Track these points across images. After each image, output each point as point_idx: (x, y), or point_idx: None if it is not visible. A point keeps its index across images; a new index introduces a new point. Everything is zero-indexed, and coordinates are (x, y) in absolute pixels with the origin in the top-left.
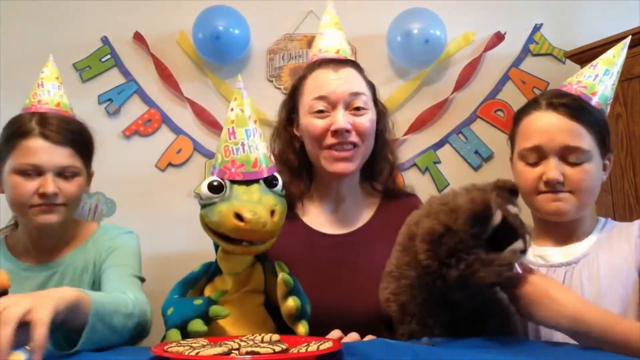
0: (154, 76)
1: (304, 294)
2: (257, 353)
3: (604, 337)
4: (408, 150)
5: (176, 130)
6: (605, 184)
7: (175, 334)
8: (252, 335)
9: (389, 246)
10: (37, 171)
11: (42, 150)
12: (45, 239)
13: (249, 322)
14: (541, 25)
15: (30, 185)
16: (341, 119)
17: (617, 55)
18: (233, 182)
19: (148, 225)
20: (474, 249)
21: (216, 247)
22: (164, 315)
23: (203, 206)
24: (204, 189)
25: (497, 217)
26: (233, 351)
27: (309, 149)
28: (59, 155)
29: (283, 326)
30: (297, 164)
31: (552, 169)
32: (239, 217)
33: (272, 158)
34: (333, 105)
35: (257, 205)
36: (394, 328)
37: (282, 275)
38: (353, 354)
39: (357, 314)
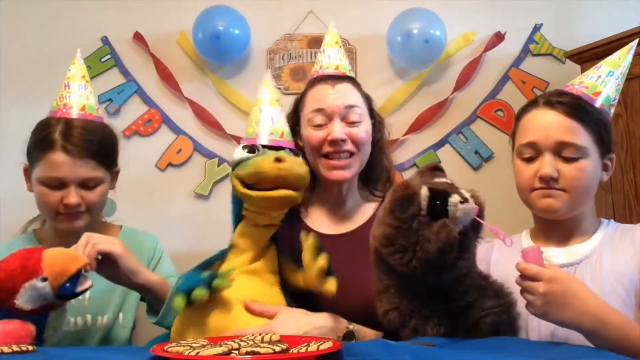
0: (154, 76)
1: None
2: (257, 353)
3: (622, 342)
4: (408, 150)
5: (176, 130)
6: (605, 183)
7: (179, 298)
8: (252, 335)
9: None
10: (60, 183)
11: (64, 165)
12: (72, 239)
13: (260, 295)
14: (541, 25)
15: (54, 196)
16: (337, 130)
17: (622, 58)
18: (264, 146)
19: (148, 225)
20: (417, 231)
21: (235, 223)
22: (172, 291)
23: (234, 167)
24: (238, 152)
25: (424, 191)
26: (233, 351)
27: (309, 158)
28: (81, 169)
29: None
30: None
31: (546, 165)
32: (278, 160)
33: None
34: (330, 118)
35: (292, 156)
36: (399, 335)
37: (311, 238)
38: (353, 354)
39: (354, 310)
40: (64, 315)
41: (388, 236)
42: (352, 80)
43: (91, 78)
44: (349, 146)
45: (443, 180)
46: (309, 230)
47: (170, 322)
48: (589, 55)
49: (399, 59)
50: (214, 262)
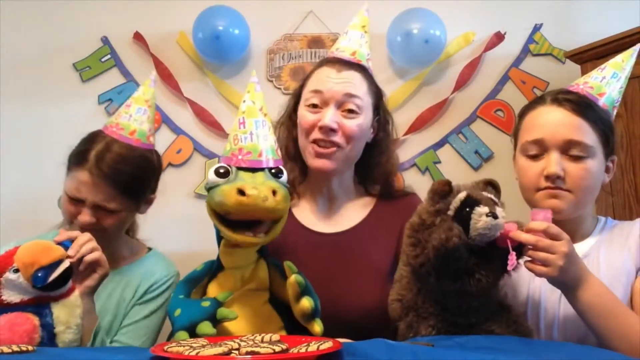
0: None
1: (314, 291)
2: (257, 353)
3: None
4: (408, 150)
5: (176, 130)
6: (605, 185)
7: (184, 336)
8: (252, 335)
9: (381, 247)
10: (80, 199)
11: (85, 185)
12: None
13: (255, 319)
14: (541, 25)
15: (73, 209)
16: (329, 116)
17: (625, 60)
18: (239, 169)
19: (148, 225)
20: (433, 227)
21: (219, 241)
22: (170, 316)
23: (209, 191)
24: (210, 174)
25: (461, 194)
26: (233, 351)
27: (300, 139)
28: (98, 194)
29: (289, 322)
30: (294, 152)
31: (553, 163)
32: (241, 192)
33: (279, 152)
34: (326, 103)
35: (259, 184)
36: (397, 328)
37: (295, 277)
38: (353, 354)
39: (347, 313)
40: (75, 308)
41: (413, 226)
42: (362, 69)
43: (91, 78)
44: (337, 137)
45: (490, 196)
46: (300, 226)
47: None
48: (589, 55)
49: (399, 59)
50: (202, 278)
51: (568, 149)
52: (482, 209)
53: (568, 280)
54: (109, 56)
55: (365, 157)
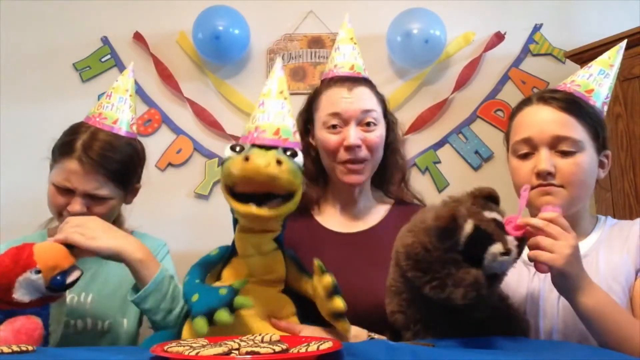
0: (154, 76)
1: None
2: (257, 353)
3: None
4: (408, 150)
5: (176, 130)
6: (605, 183)
7: (202, 323)
8: (252, 335)
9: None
10: (69, 190)
11: (75, 175)
12: None
13: (269, 306)
14: (541, 25)
15: (61, 200)
16: (353, 135)
17: (612, 57)
18: (254, 145)
19: (148, 225)
20: (447, 264)
21: (234, 226)
22: (187, 301)
23: (222, 166)
24: (226, 150)
25: (468, 226)
26: (233, 351)
27: (324, 160)
28: (90, 183)
29: (302, 310)
30: (314, 170)
31: (543, 160)
32: (247, 159)
33: (297, 136)
34: (346, 122)
35: (265, 153)
36: (401, 336)
37: (329, 277)
38: (353, 354)
39: (363, 306)
40: (63, 306)
41: (416, 253)
42: (368, 83)
43: (91, 78)
44: (363, 152)
45: (494, 216)
46: (321, 228)
47: (147, 309)
48: (589, 55)
49: (399, 59)
50: (216, 263)
51: (557, 145)
52: (496, 249)
53: (571, 275)
54: (109, 56)
55: (380, 161)
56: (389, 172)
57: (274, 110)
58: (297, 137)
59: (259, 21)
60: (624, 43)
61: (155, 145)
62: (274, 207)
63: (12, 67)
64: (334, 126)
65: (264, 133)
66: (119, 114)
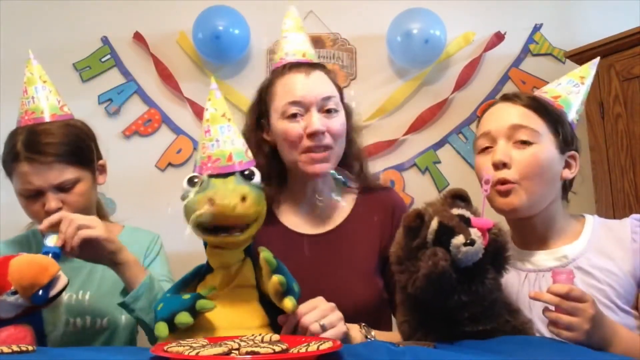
0: (154, 76)
1: (290, 275)
2: (257, 353)
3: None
4: (408, 150)
5: (176, 130)
6: (606, 183)
7: (162, 326)
8: (252, 335)
9: (365, 243)
10: (37, 192)
11: (31, 175)
12: None
13: (238, 314)
14: (541, 25)
15: (36, 206)
16: (316, 121)
17: (583, 70)
18: (211, 176)
19: (148, 225)
20: (419, 260)
21: (205, 244)
22: (155, 312)
23: (184, 200)
24: (184, 184)
25: (434, 223)
26: (233, 351)
27: (284, 152)
28: (48, 175)
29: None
30: (268, 168)
31: (499, 151)
32: (211, 202)
33: (249, 153)
34: (306, 109)
35: (229, 192)
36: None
37: (263, 254)
38: (353, 354)
39: (341, 310)
40: (58, 308)
41: (398, 256)
42: (324, 68)
43: (91, 78)
44: (327, 139)
45: (460, 212)
46: (287, 230)
47: (139, 309)
48: (589, 55)
49: (399, 59)
50: (191, 281)
51: (514, 134)
52: (458, 240)
53: (595, 343)
54: (109, 56)
55: None
56: (348, 162)
57: (221, 137)
58: (250, 155)
59: (259, 21)
60: (597, 60)
61: (155, 145)
62: (245, 230)
63: (12, 67)
64: (294, 115)
65: (218, 162)
66: (42, 102)
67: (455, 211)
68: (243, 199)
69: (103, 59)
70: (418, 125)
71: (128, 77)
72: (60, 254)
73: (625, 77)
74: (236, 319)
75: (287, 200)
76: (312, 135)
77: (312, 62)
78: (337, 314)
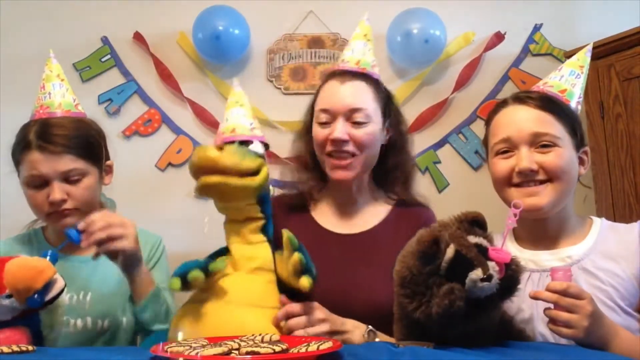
0: (154, 76)
1: (310, 258)
2: (257, 353)
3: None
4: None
5: (176, 130)
6: (606, 184)
7: (176, 280)
8: (252, 335)
9: (393, 251)
10: (43, 181)
11: (41, 162)
12: None
13: (256, 294)
14: (541, 25)
15: (40, 196)
16: (338, 129)
17: (581, 59)
18: (219, 146)
19: (148, 225)
20: (431, 288)
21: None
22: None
23: None
24: None
25: (450, 251)
26: (233, 351)
27: (317, 153)
28: (58, 163)
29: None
30: (312, 165)
31: (524, 158)
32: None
33: (255, 131)
34: (334, 117)
35: (210, 148)
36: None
37: (287, 234)
38: (353, 355)
39: (357, 306)
40: (56, 310)
41: (404, 277)
42: (367, 77)
43: (91, 78)
44: (350, 147)
45: (478, 241)
46: (317, 225)
47: (147, 318)
48: None
49: (399, 59)
50: (207, 262)
51: (537, 141)
52: (476, 275)
53: (594, 341)
54: (109, 56)
55: (382, 159)
56: (391, 172)
57: (230, 115)
58: (255, 132)
59: (259, 21)
60: (590, 45)
61: (155, 145)
62: (225, 175)
63: (12, 67)
64: (324, 122)
65: (223, 134)
66: (59, 98)
67: (472, 239)
68: (220, 148)
69: (103, 59)
70: (418, 125)
71: (128, 77)
72: (79, 242)
73: (625, 77)
74: (252, 296)
75: (323, 199)
76: (334, 142)
77: (357, 71)
78: (324, 326)
